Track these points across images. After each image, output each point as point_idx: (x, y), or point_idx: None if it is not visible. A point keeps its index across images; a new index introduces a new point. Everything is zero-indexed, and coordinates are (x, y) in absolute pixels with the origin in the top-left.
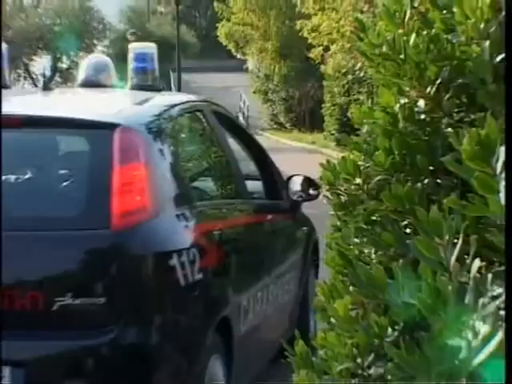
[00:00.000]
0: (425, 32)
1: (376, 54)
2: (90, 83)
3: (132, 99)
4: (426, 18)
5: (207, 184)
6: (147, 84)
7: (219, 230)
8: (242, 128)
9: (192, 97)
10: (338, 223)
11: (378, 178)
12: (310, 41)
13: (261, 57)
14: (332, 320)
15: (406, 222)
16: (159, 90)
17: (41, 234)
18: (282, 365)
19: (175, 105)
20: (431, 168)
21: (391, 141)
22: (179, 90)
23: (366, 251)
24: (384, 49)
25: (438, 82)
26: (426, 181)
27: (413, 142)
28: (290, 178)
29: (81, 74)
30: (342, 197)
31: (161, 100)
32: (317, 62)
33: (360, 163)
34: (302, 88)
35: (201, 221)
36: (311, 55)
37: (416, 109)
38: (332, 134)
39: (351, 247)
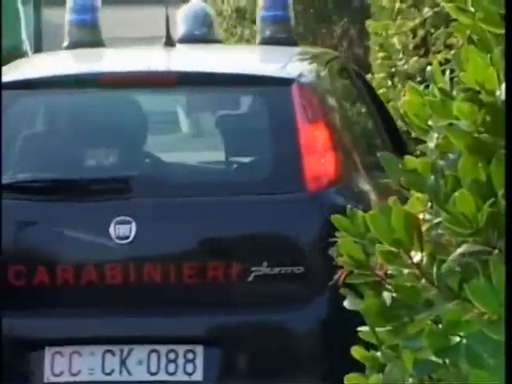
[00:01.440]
0: None
1: None
2: (193, 39)
3: (277, 54)
4: None
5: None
6: (282, 36)
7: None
8: (369, 84)
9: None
10: (379, 352)
11: (461, 249)
12: None
13: None
14: None
15: None
16: (295, 44)
17: (232, 199)
18: None
19: (329, 60)
20: None
21: (490, 166)
22: (38, 40)
23: None
24: None
25: None
26: None
27: None
28: None
29: (179, 28)
30: (385, 293)
31: (308, 55)
32: None
33: (424, 217)
34: (321, 39)
35: (379, 185)
36: None
37: None
38: None
39: None
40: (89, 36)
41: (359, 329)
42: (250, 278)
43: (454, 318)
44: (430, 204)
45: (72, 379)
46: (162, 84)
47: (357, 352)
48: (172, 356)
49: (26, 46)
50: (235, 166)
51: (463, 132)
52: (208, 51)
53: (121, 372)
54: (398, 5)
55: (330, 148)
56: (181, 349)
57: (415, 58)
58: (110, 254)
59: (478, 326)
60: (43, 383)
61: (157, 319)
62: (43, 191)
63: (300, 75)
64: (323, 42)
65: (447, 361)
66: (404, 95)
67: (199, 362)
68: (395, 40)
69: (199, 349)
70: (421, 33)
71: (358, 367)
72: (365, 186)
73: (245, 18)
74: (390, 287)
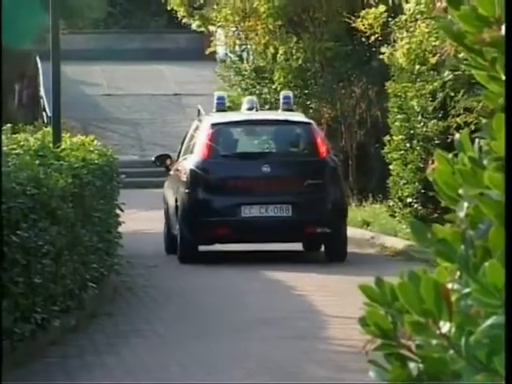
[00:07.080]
0: None
1: (489, 42)
2: (251, 108)
3: (292, 114)
4: None
5: None
6: (290, 108)
7: None
8: None
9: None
10: None
11: (490, 321)
12: None
13: (244, 28)
14: None
15: None
16: (294, 111)
17: (290, 159)
18: None
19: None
20: None
21: None
22: (56, 100)
23: None
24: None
25: None
26: None
27: None
28: None
29: (245, 106)
30: (411, 363)
31: (306, 114)
32: (371, 39)
33: (452, 287)
34: (339, 100)
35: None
36: (358, 25)
37: None
38: (409, 205)
39: None
40: (222, 108)
41: None
42: (305, 184)
43: None
44: (458, 274)
45: (250, 215)
46: (262, 123)
47: None
48: (281, 208)
49: (44, 101)
50: (293, 149)
51: (495, 202)
52: (267, 113)
53: (265, 213)
54: (417, 67)
55: (324, 143)
56: (284, 205)
57: (434, 121)
58: (260, 176)
59: None
60: (241, 217)
61: (275, 197)
62: (239, 157)
63: (311, 121)
64: (341, 101)
65: None
66: (432, 162)
67: (289, 210)
68: (414, 102)
69: (289, 205)
70: (440, 96)
71: None
72: (333, 157)
73: (263, 80)
74: (416, 358)
